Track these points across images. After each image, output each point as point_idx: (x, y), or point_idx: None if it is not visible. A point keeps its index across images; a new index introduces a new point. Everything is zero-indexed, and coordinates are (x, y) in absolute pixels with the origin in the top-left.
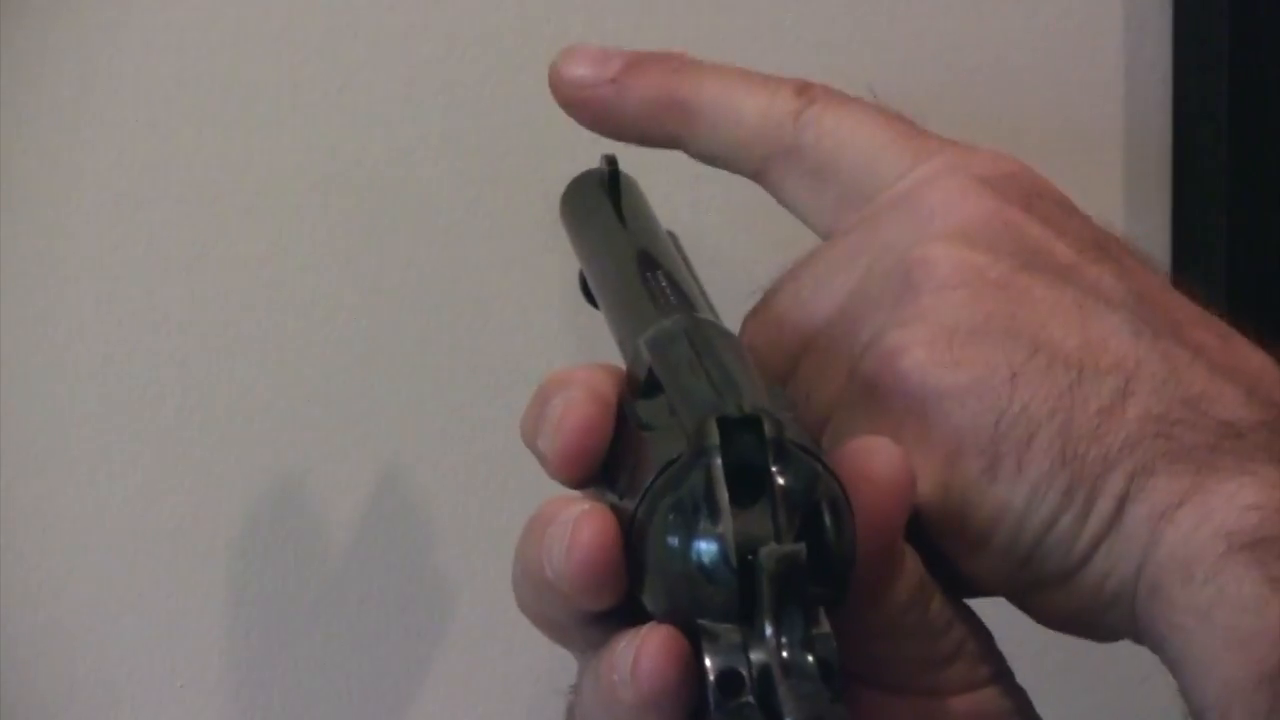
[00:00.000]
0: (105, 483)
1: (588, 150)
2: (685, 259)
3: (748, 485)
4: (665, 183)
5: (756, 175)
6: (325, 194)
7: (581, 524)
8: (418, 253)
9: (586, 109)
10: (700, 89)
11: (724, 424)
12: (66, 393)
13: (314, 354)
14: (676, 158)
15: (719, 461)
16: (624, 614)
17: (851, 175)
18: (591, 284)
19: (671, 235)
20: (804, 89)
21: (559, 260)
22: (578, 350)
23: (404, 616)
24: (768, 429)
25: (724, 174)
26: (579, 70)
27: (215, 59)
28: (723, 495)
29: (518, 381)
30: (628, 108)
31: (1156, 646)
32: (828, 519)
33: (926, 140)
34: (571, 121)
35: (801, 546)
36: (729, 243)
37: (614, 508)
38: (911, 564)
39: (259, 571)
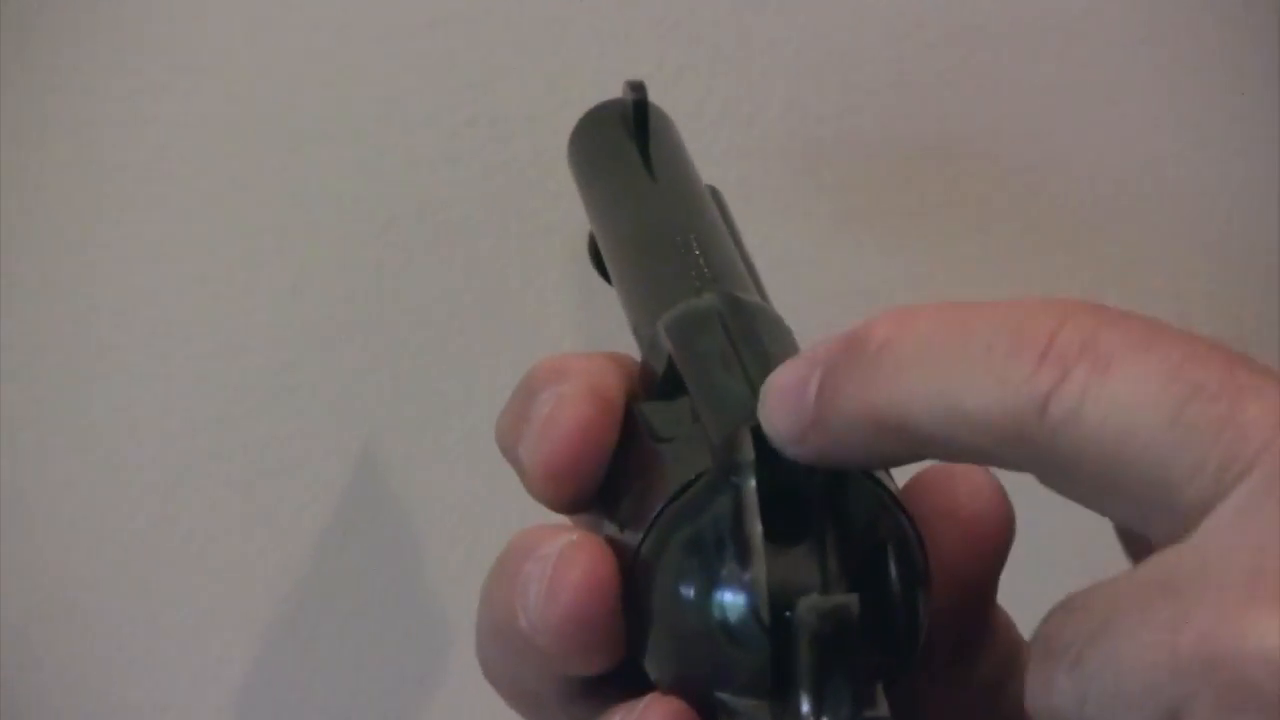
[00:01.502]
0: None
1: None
2: (730, 223)
3: (789, 517)
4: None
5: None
6: (320, 179)
7: (568, 560)
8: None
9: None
10: (906, 396)
11: (761, 436)
12: (68, 393)
13: (307, 339)
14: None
15: (753, 484)
16: (619, 681)
17: (1136, 486)
18: (603, 248)
19: (713, 191)
20: (1050, 353)
21: (563, 217)
22: (580, 336)
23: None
24: None
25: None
26: (781, 424)
27: (234, 65)
28: (755, 529)
29: (499, 374)
30: (843, 449)
31: None
32: (892, 565)
33: (1239, 417)
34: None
35: (854, 598)
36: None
37: (611, 541)
38: (1004, 626)
39: (258, 574)
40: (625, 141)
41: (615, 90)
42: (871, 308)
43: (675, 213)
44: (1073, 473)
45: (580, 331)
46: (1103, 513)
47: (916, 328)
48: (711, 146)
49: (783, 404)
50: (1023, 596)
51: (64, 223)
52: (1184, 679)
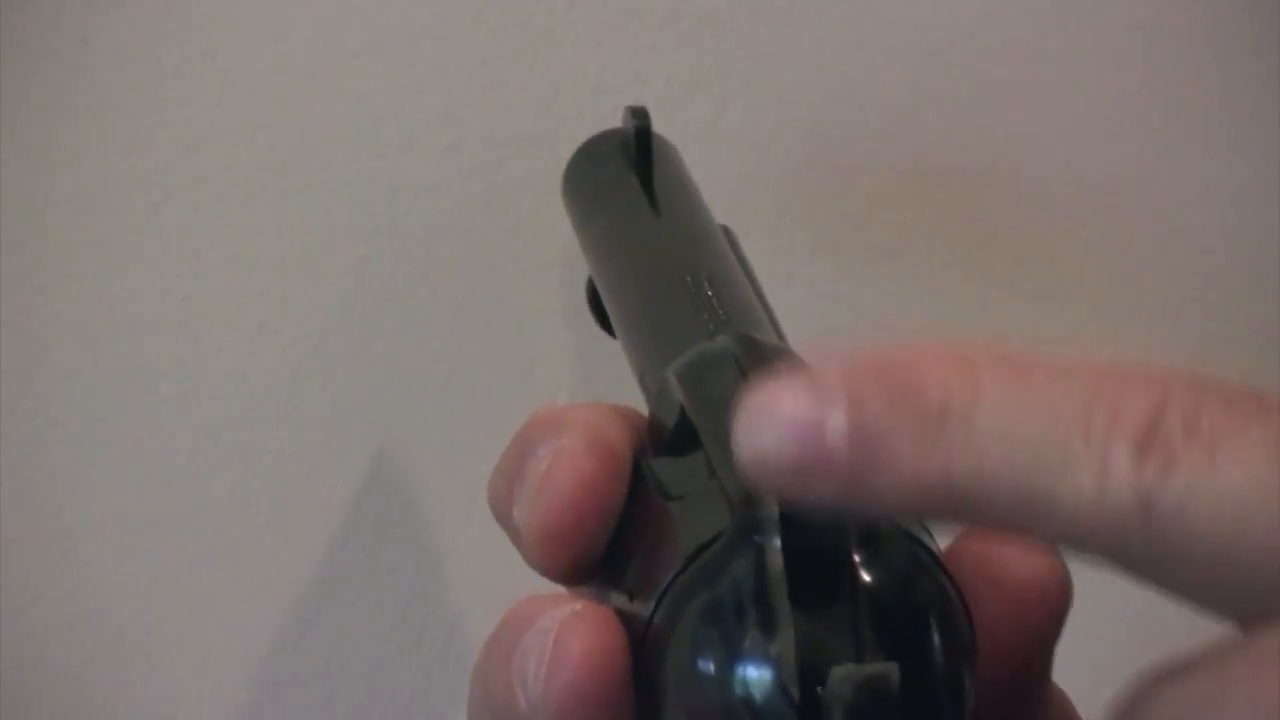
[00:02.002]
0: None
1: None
2: (745, 263)
3: (818, 581)
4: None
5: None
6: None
7: (571, 632)
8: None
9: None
10: (982, 476)
11: None
12: (70, 395)
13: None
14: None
15: (778, 544)
16: None
17: (1246, 581)
18: (603, 291)
19: (726, 231)
20: (1154, 441)
21: (559, 255)
22: (579, 390)
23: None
24: None
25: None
26: (781, 463)
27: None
28: (781, 595)
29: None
30: (874, 509)
31: None
32: (934, 633)
33: None
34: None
35: (893, 667)
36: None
37: (619, 612)
38: (1059, 704)
39: (259, 576)
40: (626, 174)
41: (616, 108)
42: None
43: (683, 250)
44: (1172, 569)
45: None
46: (1197, 606)
47: (991, 393)
48: (724, 174)
49: (787, 435)
50: (1080, 671)
51: (65, 224)
52: None
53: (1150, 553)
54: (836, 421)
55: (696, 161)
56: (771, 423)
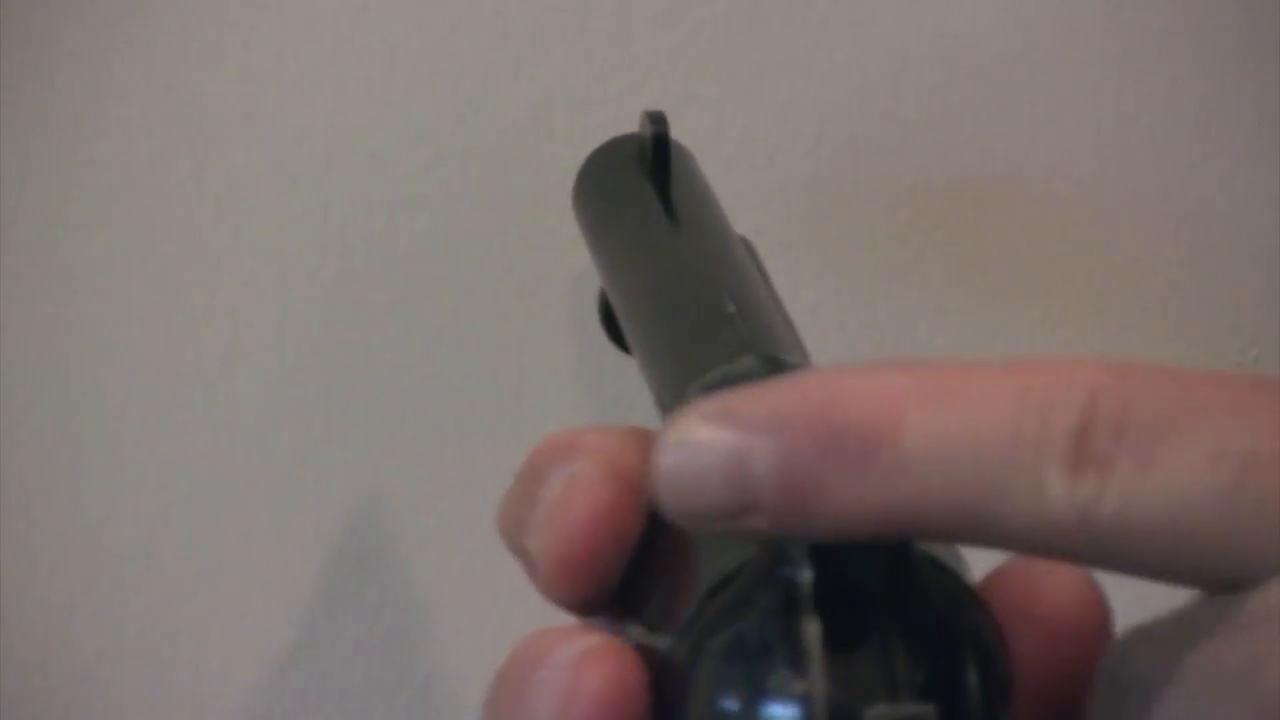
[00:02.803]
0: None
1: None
2: (766, 277)
3: (849, 616)
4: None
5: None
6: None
7: (587, 668)
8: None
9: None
10: (920, 503)
11: None
12: (71, 398)
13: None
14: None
15: (808, 576)
16: None
17: (1194, 567)
18: (618, 307)
19: (745, 242)
20: (1085, 450)
21: (568, 270)
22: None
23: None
24: None
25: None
26: (698, 491)
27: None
28: (812, 630)
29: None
30: (805, 532)
31: None
32: (972, 671)
33: None
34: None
35: (929, 710)
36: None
37: (638, 646)
38: None
39: (260, 578)
40: (642, 182)
41: (607, 121)
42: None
43: (703, 264)
44: (1123, 566)
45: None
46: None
47: (917, 421)
48: (724, 190)
49: (709, 471)
50: None
51: (26, 242)
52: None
53: (1097, 557)
54: (761, 459)
55: None
56: (691, 458)
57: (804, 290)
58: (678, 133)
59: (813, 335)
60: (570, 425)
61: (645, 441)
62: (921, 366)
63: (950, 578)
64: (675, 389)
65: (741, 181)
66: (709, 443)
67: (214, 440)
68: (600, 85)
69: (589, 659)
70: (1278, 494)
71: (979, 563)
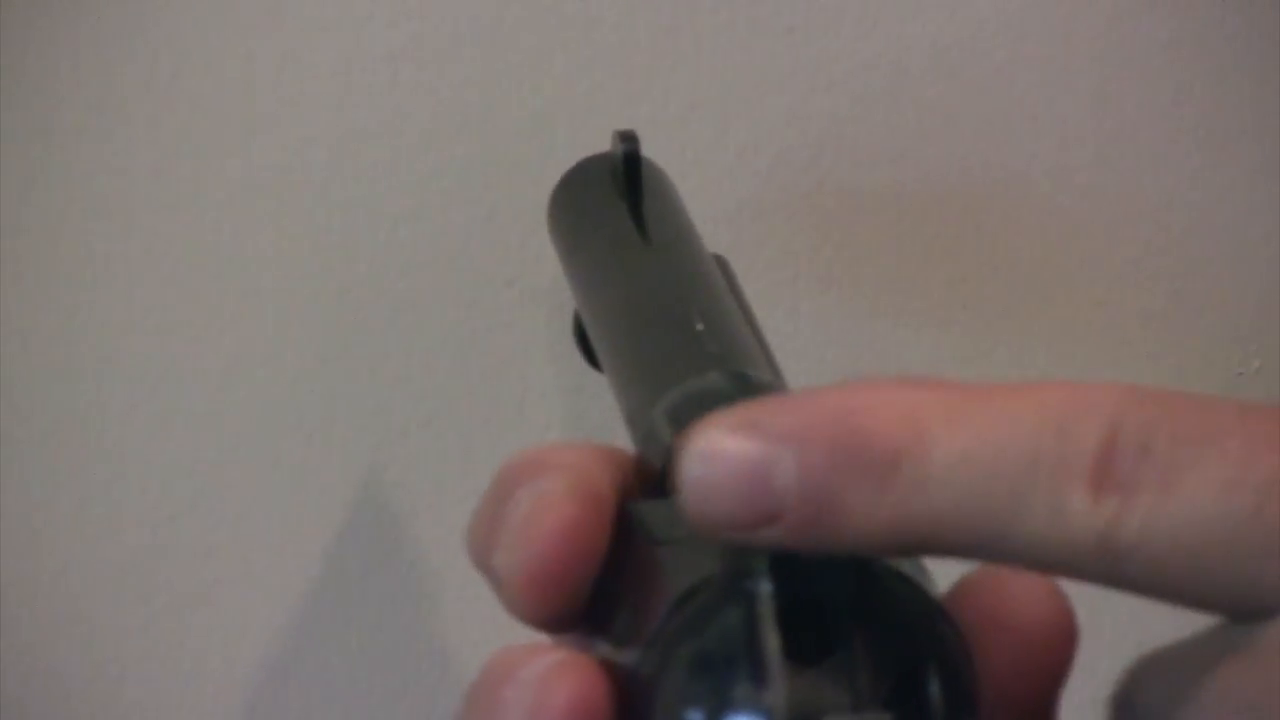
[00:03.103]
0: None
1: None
2: (739, 295)
3: (812, 629)
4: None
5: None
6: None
7: (553, 683)
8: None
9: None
10: (937, 519)
11: None
12: (79, 400)
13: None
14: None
15: (768, 590)
16: None
17: (1212, 595)
18: (589, 325)
19: (720, 260)
20: (1107, 474)
21: (547, 289)
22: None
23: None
24: None
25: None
26: (725, 506)
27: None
28: (773, 643)
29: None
30: (823, 544)
31: None
32: (934, 684)
33: None
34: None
35: (888, 718)
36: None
37: (604, 661)
38: None
39: (260, 577)
40: (614, 201)
41: (609, 131)
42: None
43: (674, 281)
44: (1141, 590)
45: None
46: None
47: (941, 439)
48: (725, 201)
49: (732, 482)
50: (1088, 714)
51: (69, 230)
52: None
53: (1114, 579)
54: (785, 471)
55: (696, 188)
56: (717, 468)
57: (805, 301)
58: (678, 143)
59: (814, 346)
60: (574, 435)
61: (614, 458)
62: (944, 384)
63: (914, 589)
64: (642, 405)
65: (743, 191)
66: (734, 453)
67: (217, 444)
68: (602, 95)
69: (555, 674)
70: None
71: (947, 573)
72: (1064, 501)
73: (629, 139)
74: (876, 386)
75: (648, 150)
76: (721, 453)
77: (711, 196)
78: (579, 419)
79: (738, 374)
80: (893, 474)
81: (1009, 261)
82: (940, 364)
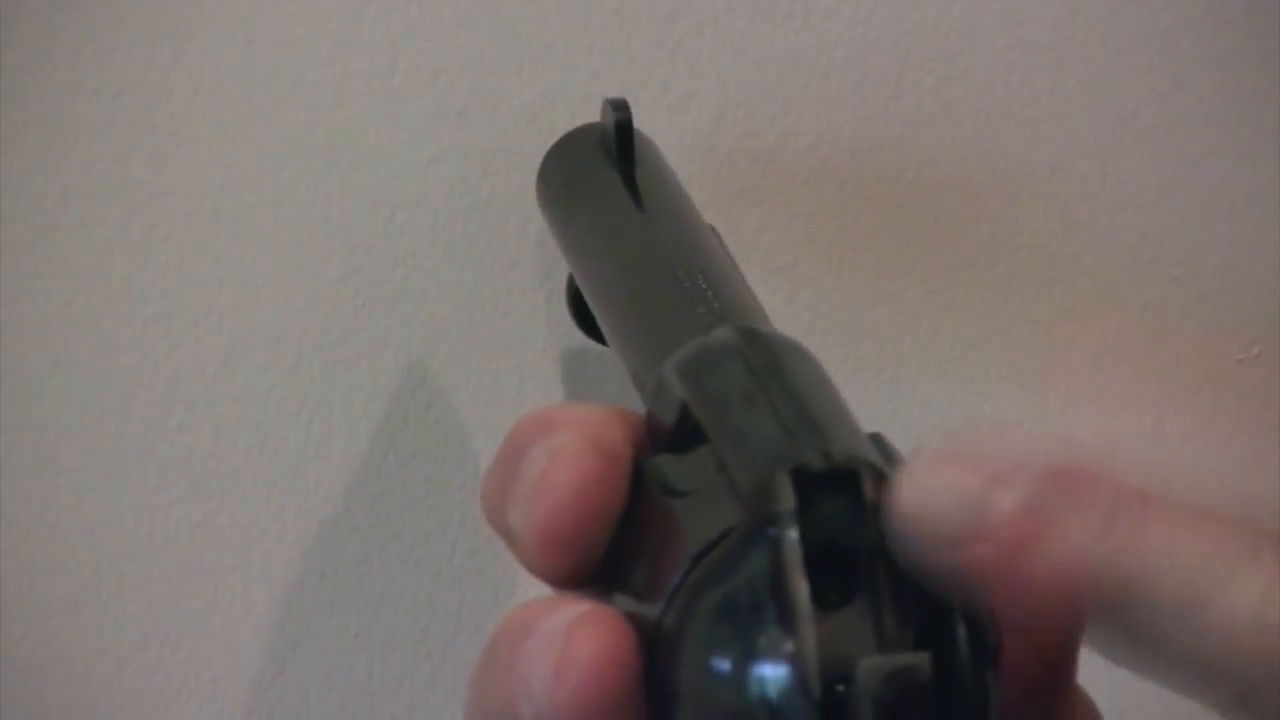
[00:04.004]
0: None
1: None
2: (733, 263)
3: (838, 574)
4: None
5: (1241, 699)
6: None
7: (579, 635)
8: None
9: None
10: (1146, 566)
11: (802, 480)
12: (76, 395)
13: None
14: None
15: (794, 536)
16: None
17: None
18: (588, 291)
19: (713, 231)
20: None
21: (548, 274)
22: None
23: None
24: (868, 488)
25: None
26: (939, 509)
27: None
28: (800, 589)
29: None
30: (1027, 573)
31: None
32: (959, 627)
33: None
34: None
35: (924, 658)
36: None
37: (628, 615)
38: (1084, 707)
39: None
40: (607, 169)
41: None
42: (928, 384)
43: (672, 244)
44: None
45: (567, 393)
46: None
47: (1161, 505)
48: (725, 186)
49: (958, 490)
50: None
51: (65, 222)
52: None
53: None
54: (1016, 489)
55: (696, 173)
56: (943, 476)
57: (804, 289)
58: (678, 129)
59: (814, 333)
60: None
61: (626, 416)
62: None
63: None
64: (651, 362)
65: (743, 177)
66: (954, 474)
67: (215, 430)
68: (602, 81)
69: (580, 626)
70: None
71: None
72: (1273, 575)
73: (620, 107)
74: (1097, 442)
75: (649, 135)
76: (946, 472)
77: (711, 182)
78: (586, 397)
79: (747, 329)
80: (1113, 518)
81: (1009, 248)
82: (940, 350)
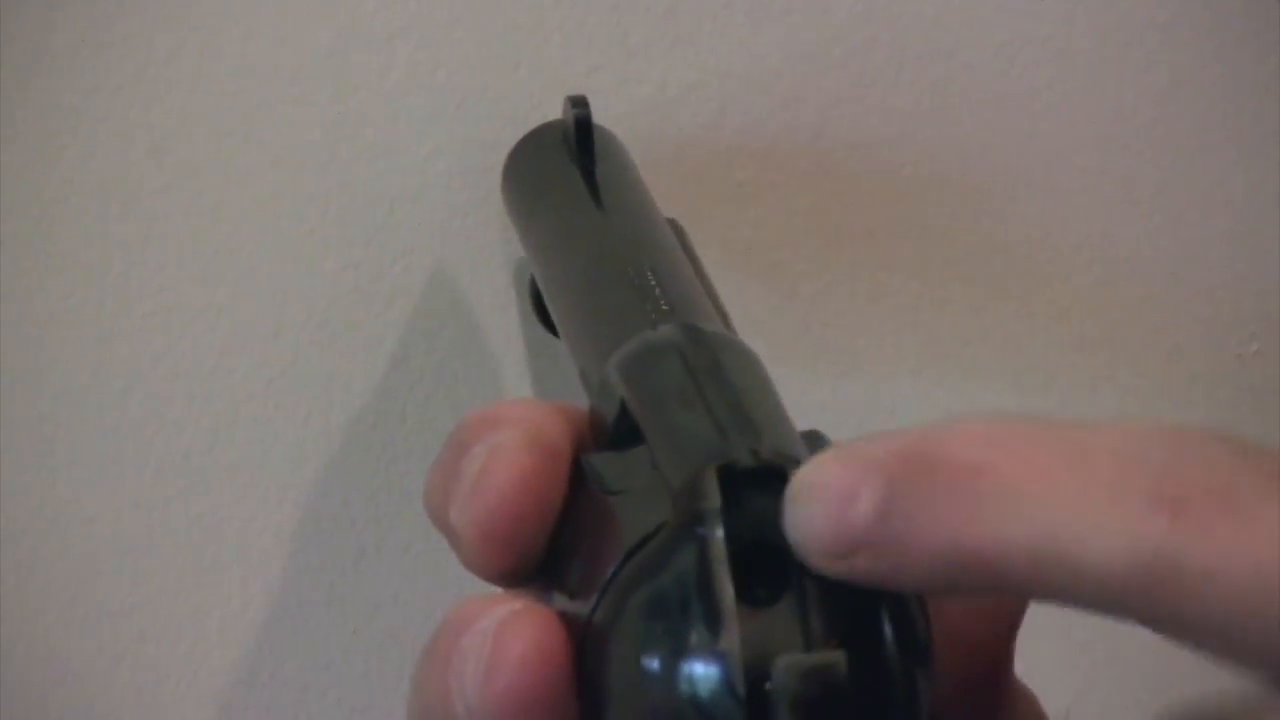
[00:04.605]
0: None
1: None
2: (694, 258)
3: (764, 571)
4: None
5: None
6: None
7: (510, 632)
8: None
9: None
10: (1005, 536)
11: (729, 477)
12: (74, 392)
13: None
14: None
15: (720, 534)
16: None
17: (1263, 656)
18: (544, 288)
19: (674, 224)
20: (1187, 502)
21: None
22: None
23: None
24: None
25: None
26: (818, 532)
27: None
28: (726, 587)
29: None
30: (900, 576)
31: None
32: (886, 624)
33: None
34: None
35: (840, 656)
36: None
37: (561, 613)
38: (1023, 700)
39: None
40: (567, 167)
41: (607, 111)
42: (925, 380)
43: (626, 242)
44: (1199, 632)
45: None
46: (1228, 665)
47: (1018, 453)
48: (724, 182)
49: (824, 510)
50: (1046, 666)
51: (63, 219)
52: None
53: (1175, 616)
54: (868, 496)
55: (693, 170)
56: (811, 499)
57: (803, 283)
58: (677, 124)
59: (811, 328)
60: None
61: (568, 413)
62: (1022, 418)
63: None
64: (595, 360)
65: (741, 173)
66: (829, 483)
67: (213, 427)
68: (599, 76)
69: (510, 624)
70: None
71: None
72: (1142, 520)
73: (579, 104)
74: (962, 418)
75: (648, 131)
76: (823, 482)
77: (709, 178)
78: (583, 398)
79: (688, 326)
80: (971, 489)
81: (1007, 243)
82: (938, 346)
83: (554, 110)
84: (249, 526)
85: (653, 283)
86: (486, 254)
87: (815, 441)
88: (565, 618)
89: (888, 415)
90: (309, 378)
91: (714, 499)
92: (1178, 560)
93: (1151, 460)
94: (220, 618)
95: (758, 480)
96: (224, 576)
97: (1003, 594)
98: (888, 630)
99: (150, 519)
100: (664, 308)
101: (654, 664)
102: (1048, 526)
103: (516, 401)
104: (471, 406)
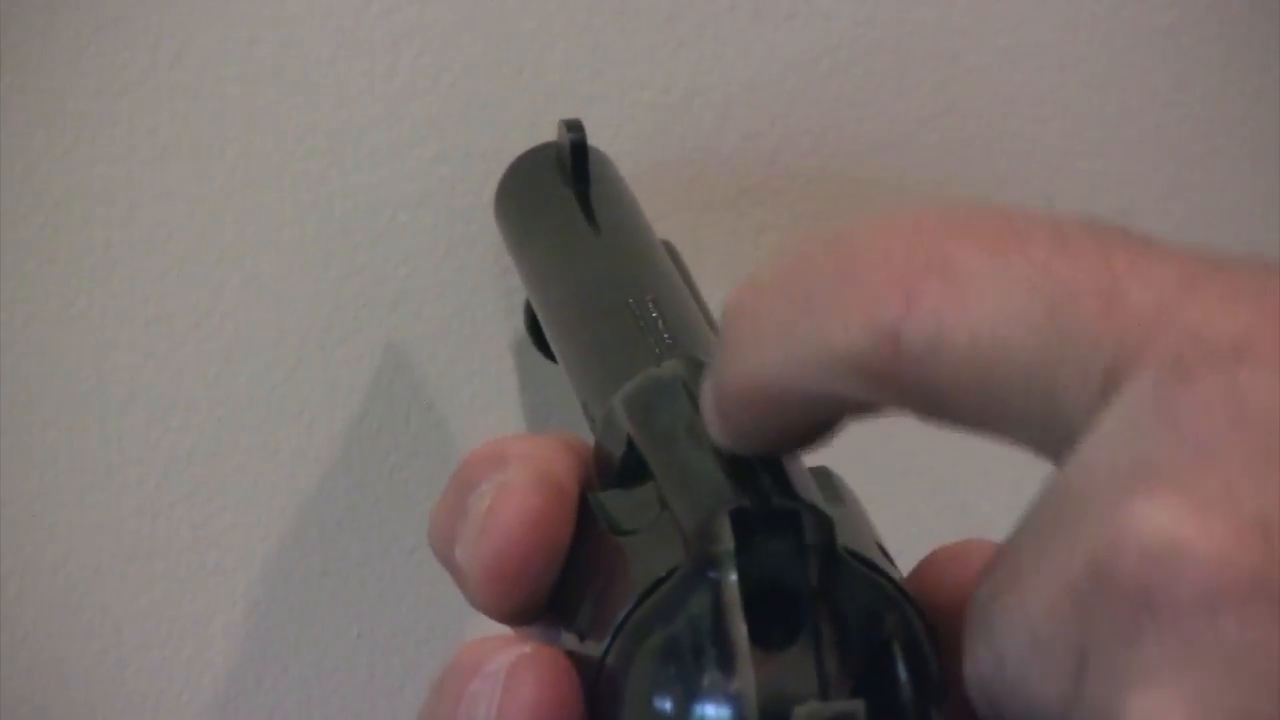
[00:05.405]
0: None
1: None
2: (689, 280)
3: (778, 615)
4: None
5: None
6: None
7: (520, 676)
8: None
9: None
10: (770, 360)
11: (742, 521)
12: (78, 395)
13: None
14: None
15: (734, 578)
16: None
17: (1021, 411)
18: (542, 316)
19: (668, 246)
20: (892, 277)
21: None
22: (569, 415)
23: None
24: (809, 530)
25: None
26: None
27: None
28: (740, 631)
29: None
30: (749, 433)
31: None
32: (900, 666)
33: (1117, 311)
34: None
35: (859, 705)
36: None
37: (570, 654)
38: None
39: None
40: (562, 190)
41: (609, 117)
42: None
43: (626, 269)
44: (951, 405)
45: (568, 410)
46: (1002, 440)
47: (762, 285)
48: (726, 187)
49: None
50: None
51: (67, 222)
52: (1084, 612)
53: (922, 390)
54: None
55: (697, 174)
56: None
57: None
58: (679, 129)
59: None
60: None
61: (575, 448)
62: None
63: (878, 575)
64: (600, 395)
65: (745, 177)
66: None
67: (216, 432)
68: (603, 81)
69: (521, 667)
70: (1095, 325)
71: (910, 554)
72: (854, 305)
73: (575, 128)
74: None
75: (651, 136)
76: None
77: (713, 183)
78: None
79: (694, 361)
80: (736, 332)
81: None
82: None
83: (558, 115)
84: (252, 532)
85: (654, 314)
86: (489, 259)
87: (826, 481)
88: (575, 659)
89: (889, 423)
90: (312, 382)
91: (728, 543)
92: (898, 334)
93: (862, 246)
94: (224, 623)
95: (769, 524)
96: (227, 582)
97: (826, 418)
98: (902, 671)
99: (154, 525)
100: (667, 340)
101: (667, 707)
102: (792, 337)
103: (522, 437)
104: (473, 409)
